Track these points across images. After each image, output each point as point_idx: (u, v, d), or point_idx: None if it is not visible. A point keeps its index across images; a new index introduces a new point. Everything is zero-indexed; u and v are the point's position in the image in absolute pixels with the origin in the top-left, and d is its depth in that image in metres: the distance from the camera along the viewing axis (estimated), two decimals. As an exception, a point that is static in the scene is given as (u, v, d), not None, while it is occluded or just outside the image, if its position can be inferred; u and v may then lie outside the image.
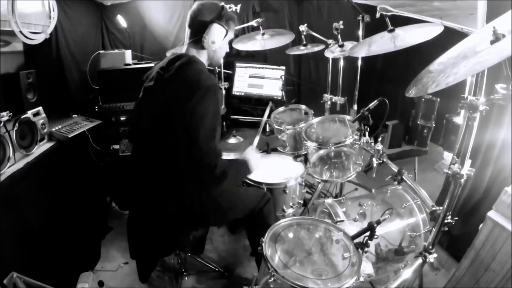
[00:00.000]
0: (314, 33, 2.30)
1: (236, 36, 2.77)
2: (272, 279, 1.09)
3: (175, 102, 1.28)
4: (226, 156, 1.50)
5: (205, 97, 1.24)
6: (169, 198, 1.38)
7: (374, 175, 1.73)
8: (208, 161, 1.25)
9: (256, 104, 2.85)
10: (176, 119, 1.27)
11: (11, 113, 1.58)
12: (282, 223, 1.33)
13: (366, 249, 1.15)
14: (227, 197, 1.52)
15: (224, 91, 2.67)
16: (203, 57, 1.41)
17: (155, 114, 1.36)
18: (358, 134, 1.72)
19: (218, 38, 1.36)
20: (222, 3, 1.39)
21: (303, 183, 1.93)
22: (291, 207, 1.87)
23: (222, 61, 1.50)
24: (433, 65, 1.08)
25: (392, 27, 1.57)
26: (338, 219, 1.48)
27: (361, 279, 1.12)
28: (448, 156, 2.67)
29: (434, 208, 1.32)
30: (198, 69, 1.34)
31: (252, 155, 1.51)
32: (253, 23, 2.33)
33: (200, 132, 1.23)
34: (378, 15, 1.64)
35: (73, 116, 2.29)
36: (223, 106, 1.97)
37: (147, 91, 1.44)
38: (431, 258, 1.32)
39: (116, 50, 2.62)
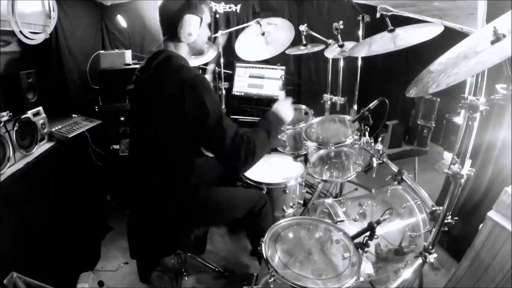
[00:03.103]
0: (314, 33, 2.30)
1: (236, 36, 2.79)
2: (272, 279, 1.09)
3: (162, 103, 1.24)
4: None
5: (194, 90, 1.20)
6: (169, 198, 1.37)
7: (374, 175, 1.72)
8: (228, 139, 1.23)
9: (256, 104, 2.85)
10: (169, 119, 1.24)
11: (11, 113, 1.57)
12: (282, 223, 1.32)
13: (366, 249, 1.15)
14: (227, 196, 1.52)
15: (224, 91, 2.67)
16: (183, 50, 1.34)
17: (144, 117, 1.33)
18: (358, 134, 1.72)
19: (194, 28, 1.29)
20: None
21: (303, 183, 1.93)
22: (291, 207, 1.87)
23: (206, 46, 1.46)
24: (433, 65, 1.08)
25: (392, 27, 1.57)
26: (338, 219, 1.48)
27: (361, 279, 1.12)
28: (448, 156, 2.67)
29: (434, 208, 1.32)
30: (178, 64, 1.28)
31: (281, 105, 1.52)
32: (253, 23, 2.33)
33: (208, 122, 1.21)
34: (378, 15, 1.64)
35: (73, 116, 2.29)
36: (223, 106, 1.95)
37: (129, 94, 1.42)
38: (431, 258, 1.32)
39: (116, 50, 2.61)
